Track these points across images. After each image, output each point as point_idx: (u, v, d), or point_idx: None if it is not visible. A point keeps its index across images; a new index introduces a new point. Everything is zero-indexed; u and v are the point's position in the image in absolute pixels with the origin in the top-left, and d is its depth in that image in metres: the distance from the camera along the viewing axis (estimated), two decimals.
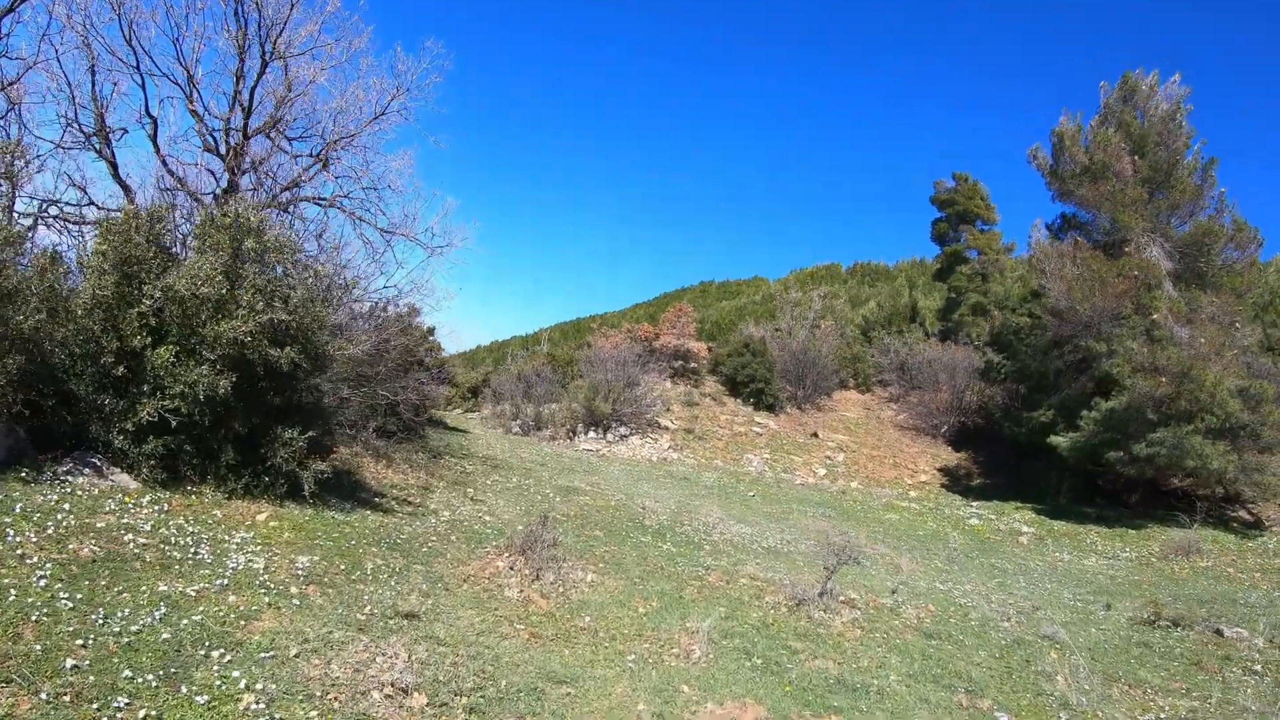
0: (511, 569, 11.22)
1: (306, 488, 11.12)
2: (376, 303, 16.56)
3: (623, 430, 27.42)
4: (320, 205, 16.33)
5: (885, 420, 32.67)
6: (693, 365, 32.70)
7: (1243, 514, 22.94)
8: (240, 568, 8.91)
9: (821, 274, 48.26)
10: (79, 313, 9.97)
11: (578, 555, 12.87)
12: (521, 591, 10.76)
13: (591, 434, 27.21)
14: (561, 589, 11.15)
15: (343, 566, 9.97)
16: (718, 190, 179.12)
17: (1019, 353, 27.10)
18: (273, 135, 15.70)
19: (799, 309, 36.30)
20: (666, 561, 13.69)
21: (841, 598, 12.38)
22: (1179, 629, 12.96)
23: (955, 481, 27.77)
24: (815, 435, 29.78)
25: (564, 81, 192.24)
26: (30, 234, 11.53)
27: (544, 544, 11.63)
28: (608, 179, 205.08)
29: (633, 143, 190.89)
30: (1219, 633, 12.68)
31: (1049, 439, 24.15)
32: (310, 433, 11.22)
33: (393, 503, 13.73)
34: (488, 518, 14.43)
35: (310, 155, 16.00)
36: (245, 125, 15.09)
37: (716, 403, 31.16)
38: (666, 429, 28.29)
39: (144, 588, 7.74)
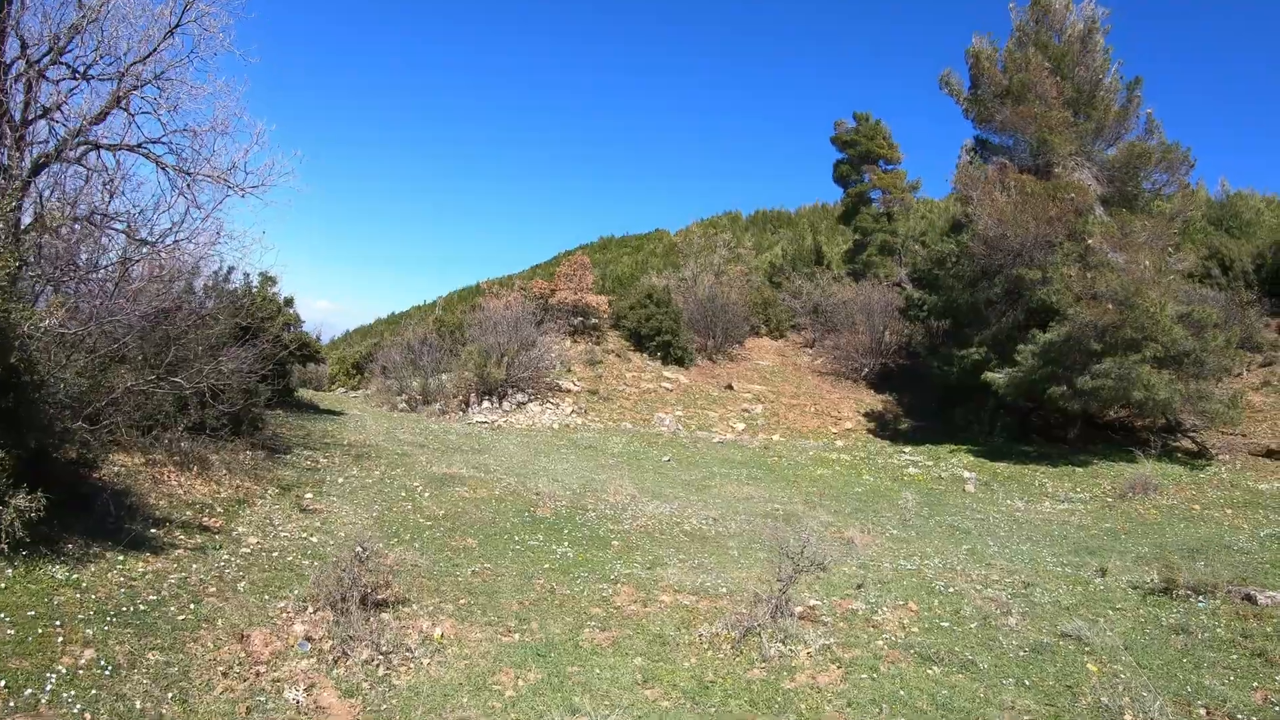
0: (308, 639, 7.43)
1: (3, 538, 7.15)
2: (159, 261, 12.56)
3: (520, 397, 23.65)
4: (109, 150, 12.42)
5: (802, 367, 29.31)
6: (593, 321, 28.95)
7: (1185, 443, 21.11)
8: None
9: (723, 222, 45.03)
10: None
11: (429, 589, 9.36)
12: (312, 689, 6.85)
13: (486, 404, 23.34)
14: (384, 667, 7.36)
15: (3, 683, 5.94)
16: (614, 140, 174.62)
17: (945, 287, 24.02)
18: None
19: (703, 255, 32.90)
20: (560, 578, 10.24)
21: (799, 609, 8.95)
22: (1202, 598, 10.06)
23: (882, 427, 24.78)
24: (730, 387, 26.30)
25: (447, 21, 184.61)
26: None
27: (360, 591, 7.92)
28: (496, 134, 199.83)
29: (516, 92, 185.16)
30: (1250, 599, 9.88)
31: (984, 377, 21.53)
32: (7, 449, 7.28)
33: (177, 533, 9.66)
34: (315, 539, 10.62)
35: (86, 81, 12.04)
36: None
37: (621, 360, 27.50)
38: (569, 392, 24.59)
39: None
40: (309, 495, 12.36)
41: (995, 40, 24.39)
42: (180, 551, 9.06)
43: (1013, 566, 11.80)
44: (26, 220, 10.55)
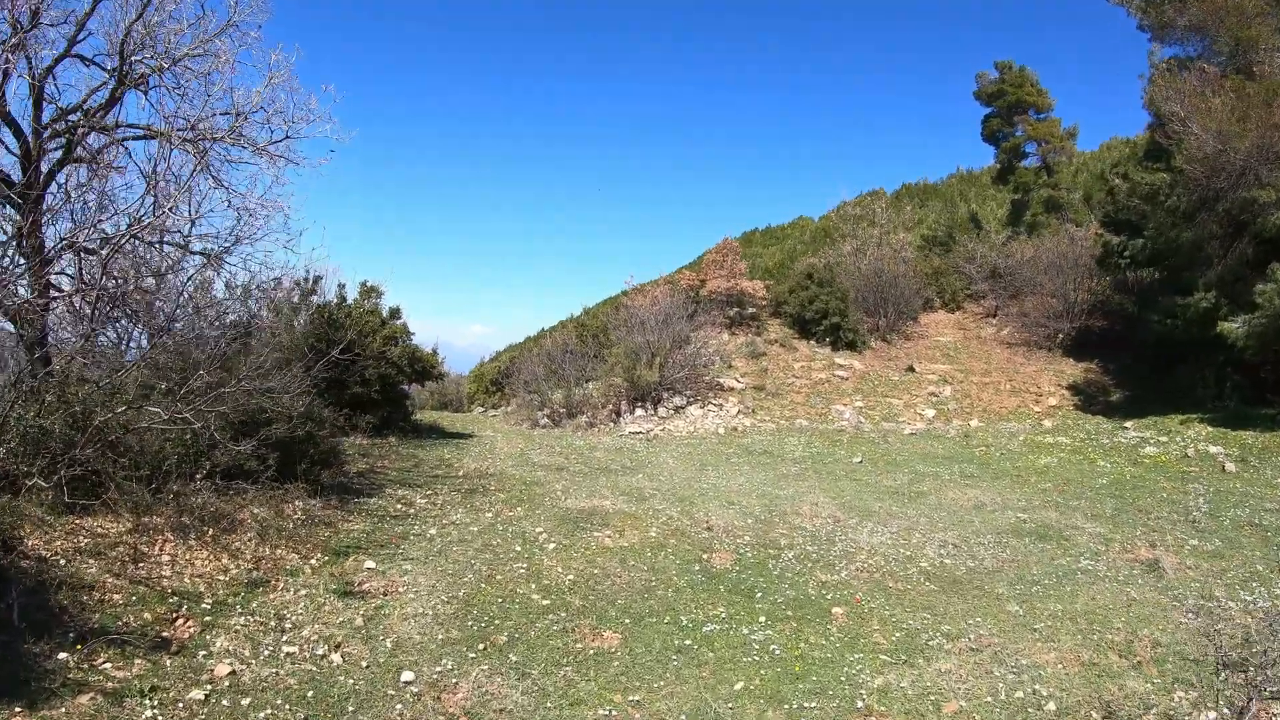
0: None
1: None
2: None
3: (677, 401, 19.83)
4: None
5: (987, 339, 24.65)
6: (750, 311, 24.80)
7: None
8: None
9: (867, 202, 40.83)
10: None
11: None
12: None
13: (639, 412, 19.62)
14: None
15: None
16: (745, 138, 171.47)
17: (1155, 225, 19.35)
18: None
19: (861, 227, 28.76)
20: (760, 695, 6.41)
21: None
22: None
23: (1090, 400, 20.26)
24: (911, 370, 22.11)
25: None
26: None
27: None
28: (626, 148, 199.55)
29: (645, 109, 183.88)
30: None
31: (1220, 328, 16.80)
32: None
33: (103, 656, 5.91)
34: (337, 658, 6.73)
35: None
36: None
37: (786, 349, 23.43)
38: (732, 390, 20.69)
39: None
40: (369, 564, 8.59)
41: None
42: (79, 702, 5.38)
43: None
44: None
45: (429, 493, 11.61)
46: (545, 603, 7.93)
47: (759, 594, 8.26)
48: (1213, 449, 15.14)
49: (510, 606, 7.83)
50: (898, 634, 7.31)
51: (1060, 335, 23.27)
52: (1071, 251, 24.14)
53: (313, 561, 8.36)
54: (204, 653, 6.37)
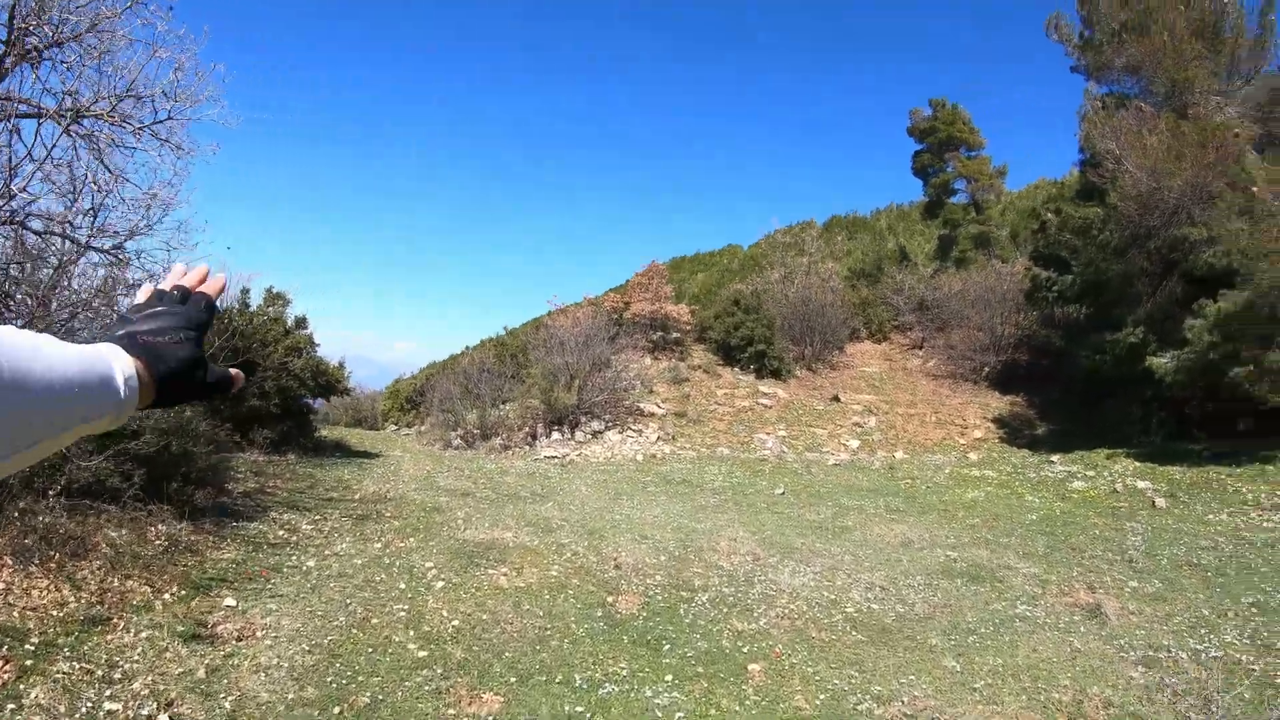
0: None
1: None
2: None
3: (595, 425, 18.86)
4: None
5: (913, 371, 24.06)
6: (675, 335, 23.98)
7: None
8: None
9: (797, 232, 40.50)
10: None
11: None
12: None
13: (556, 435, 18.62)
14: None
15: None
16: (674, 170, 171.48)
17: (1086, 258, 18.94)
18: None
19: (790, 255, 28.11)
20: None
21: None
22: None
23: (1016, 433, 19.69)
24: (836, 399, 21.39)
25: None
26: None
27: None
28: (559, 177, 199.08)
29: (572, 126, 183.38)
30: None
31: (1148, 363, 16.53)
32: None
33: None
34: None
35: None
36: None
37: (710, 375, 22.59)
38: (652, 415, 19.80)
39: None
40: (229, 601, 7.31)
41: None
42: None
43: None
44: None
45: (317, 517, 10.42)
46: (422, 654, 6.73)
47: (667, 646, 7.16)
48: (1141, 484, 14.61)
49: (381, 659, 6.61)
50: (822, 695, 6.29)
51: (986, 368, 22.79)
52: (999, 286, 23.77)
53: (166, 596, 7.11)
54: (12, 706, 5.16)
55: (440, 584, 8.34)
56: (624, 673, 6.59)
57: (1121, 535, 11.39)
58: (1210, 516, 12.54)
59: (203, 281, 1.28)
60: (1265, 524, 11.92)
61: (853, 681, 6.54)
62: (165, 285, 1.24)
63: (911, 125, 33.34)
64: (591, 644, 7.14)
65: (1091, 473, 15.76)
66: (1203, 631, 7.55)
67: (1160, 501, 13.57)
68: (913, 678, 6.60)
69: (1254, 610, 8.04)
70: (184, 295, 1.23)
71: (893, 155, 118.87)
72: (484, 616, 7.58)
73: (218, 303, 1.31)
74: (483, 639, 7.12)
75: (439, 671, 6.45)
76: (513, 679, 6.40)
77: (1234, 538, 11.18)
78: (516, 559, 9.29)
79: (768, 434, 18.93)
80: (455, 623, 7.39)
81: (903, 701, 6.16)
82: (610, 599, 8.20)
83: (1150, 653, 7.06)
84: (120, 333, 1.12)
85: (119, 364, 1.04)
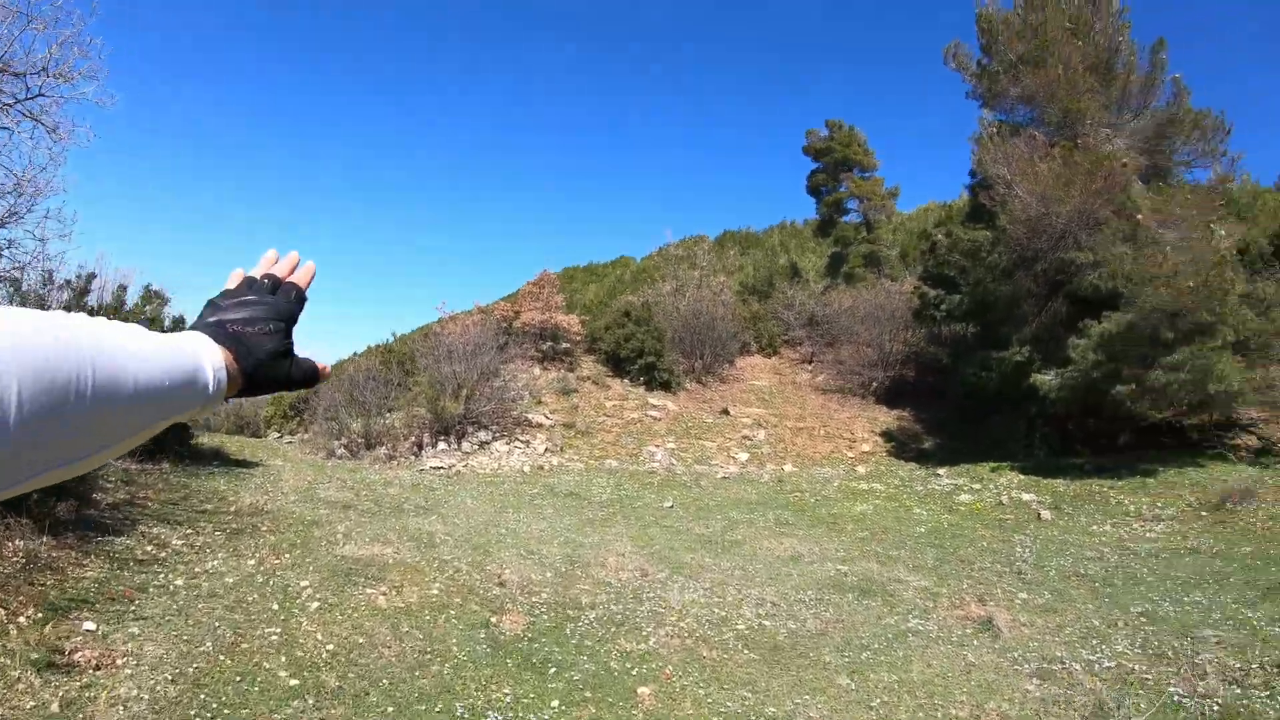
0: None
1: None
2: None
3: (482, 436, 18.33)
4: None
5: (803, 385, 24.10)
6: (564, 346, 23.40)
7: (1248, 440, 16.69)
8: None
9: (690, 245, 40.55)
10: None
11: None
12: None
13: (442, 445, 18.00)
14: None
15: None
16: (566, 173, 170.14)
17: (974, 279, 19.25)
18: None
19: (682, 268, 27.92)
20: None
21: None
22: None
23: (903, 447, 19.86)
24: (726, 412, 21.25)
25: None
26: None
27: None
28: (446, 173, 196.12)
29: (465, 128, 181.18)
30: None
31: (1033, 380, 16.97)
32: None
33: None
34: None
35: None
36: None
37: (599, 387, 22.25)
38: (540, 426, 19.35)
39: None
40: (89, 626, 6.52)
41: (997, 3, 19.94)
42: None
43: (1242, 640, 7.05)
44: None
45: (189, 532, 9.62)
46: (294, 683, 6.11)
47: (553, 669, 6.70)
48: (1026, 496, 14.84)
49: (249, 688, 5.97)
50: (715, 719, 5.94)
51: (875, 383, 22.96)
52: (889, 304, 24.10)
53: (21, 619, 6.32)
54: None
55: (315, 604, 7.70)
56: (508, 699, 6.10)
57: (1009, 547, 11.42)
58: (1095, 528, 12.83)
59: (293, 270, 1.26)
60: (1148, 534, 12.23)
61: (746, 703, 6.18)
62: (256, 273, 1.23)
63: (808, 144, 34.09)
64: (474, 668, 6.63)
65: (978, 486, 15.93)
66: (1094, 642, 7.44)
67: (1045, 514, 13.79)
68: (807, 697, 6.27)
69: (1143, 619, 7.99)
70: (274, 284, 1.22)
71: (788, 174, 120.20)
72: (360, 640, 6.99)
73: (307, 293, 1.26)
74: (359, 664, 6.55)
75: (311, 702, 5.84)
76: (390, 708, 5.85)
77: (1119, 548, 11.40)
78: (396, 577, 8.70)
79: (657, 446, 18.62)
80: (330, 647, 6.78)
81: None
82: (494, 619, 7.70)
83: (1044, 665, 6.90)
84: (211, 319, 1.12)
85: (208, 356, 1.04)
